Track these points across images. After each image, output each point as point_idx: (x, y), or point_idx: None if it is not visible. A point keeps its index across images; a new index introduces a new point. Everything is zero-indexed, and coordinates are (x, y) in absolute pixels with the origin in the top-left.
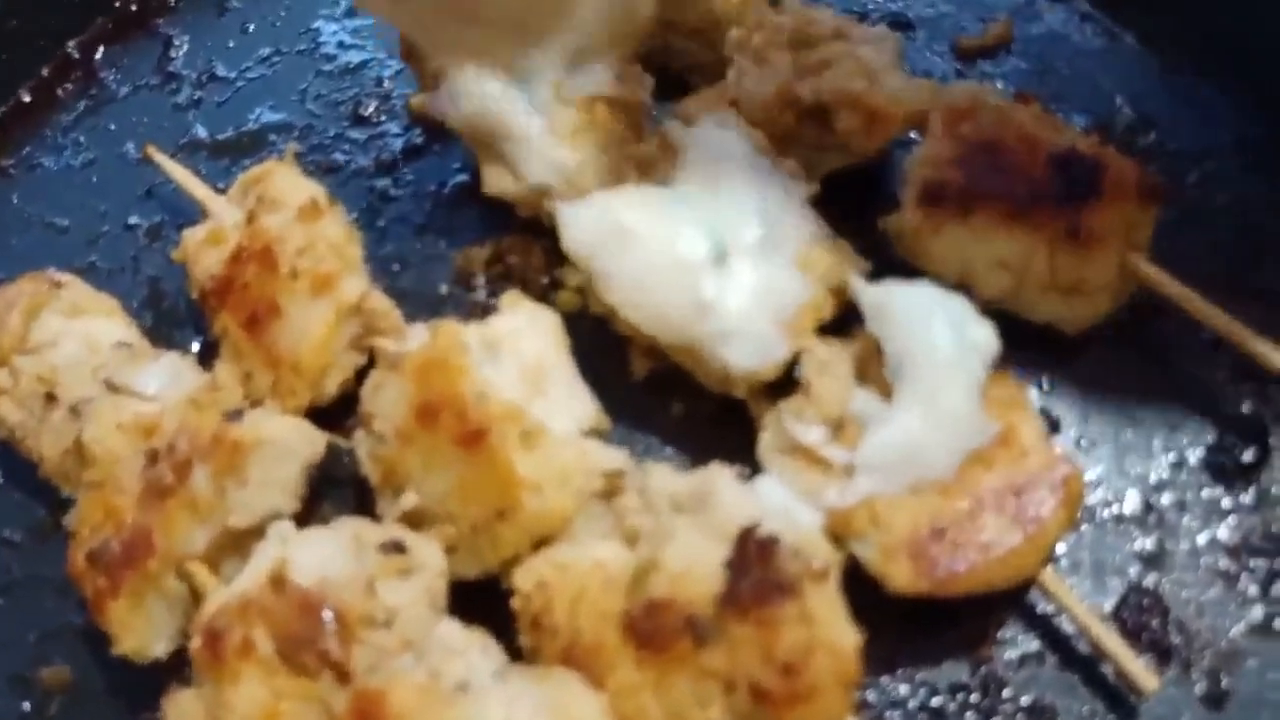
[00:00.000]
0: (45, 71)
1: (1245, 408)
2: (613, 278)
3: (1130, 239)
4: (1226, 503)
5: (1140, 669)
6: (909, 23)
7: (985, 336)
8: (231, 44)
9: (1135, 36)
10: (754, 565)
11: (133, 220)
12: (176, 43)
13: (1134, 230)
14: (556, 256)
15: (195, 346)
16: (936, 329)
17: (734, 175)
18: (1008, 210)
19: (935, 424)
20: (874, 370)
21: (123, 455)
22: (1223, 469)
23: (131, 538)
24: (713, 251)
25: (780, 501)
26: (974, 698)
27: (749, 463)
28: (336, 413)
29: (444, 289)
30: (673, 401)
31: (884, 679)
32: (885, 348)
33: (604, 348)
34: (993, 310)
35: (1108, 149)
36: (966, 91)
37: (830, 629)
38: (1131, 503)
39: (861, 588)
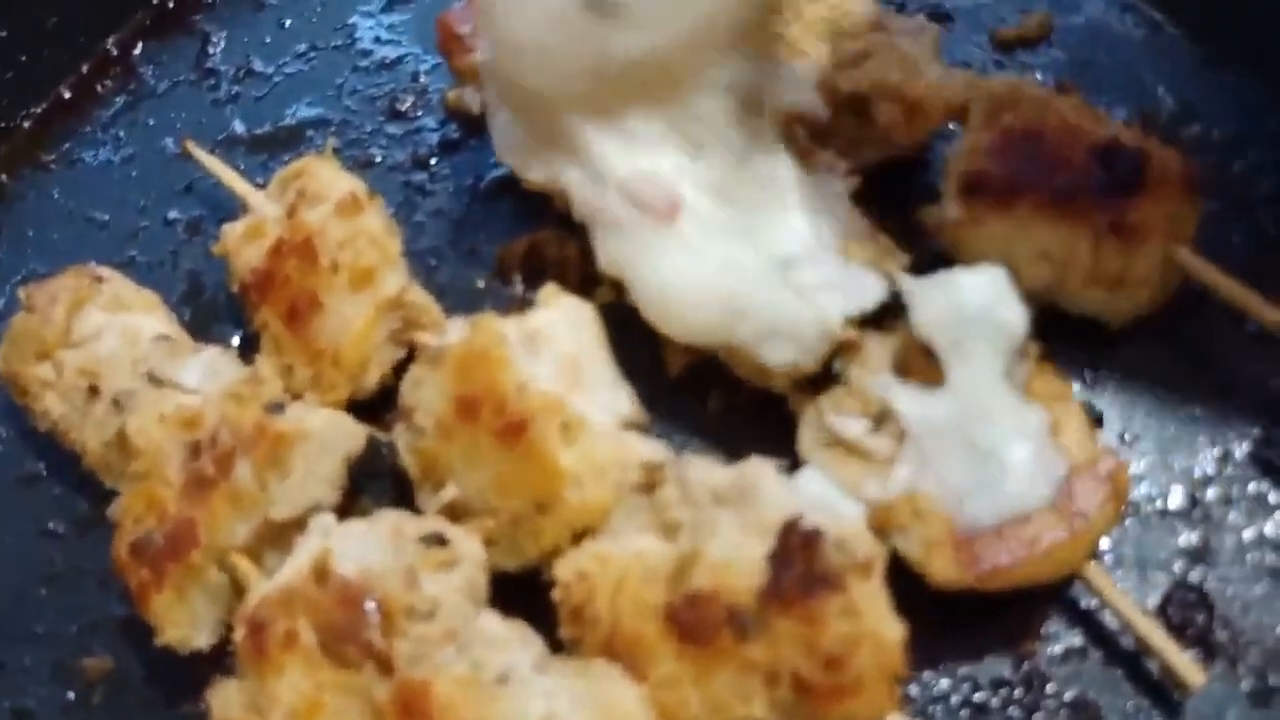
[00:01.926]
0: (85, 68)
1: None
2: (646, 291)
3: (1174, 231)
4: (1273, 498)
5: (1186, 664)
6: (947, 13)
7: (1015, 315)
8: (268, 40)
9: (1176, 26)
10: (797, 558)
11: (172, 215)
12: (214, 39)
13: (1178, 222)
14: (592, 250)
15: (234, 340)
16: (968, 311)
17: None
18: (1049, 202)
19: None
20: (914, 362)
21: (165, 447)
22: (1269, 463)
23: (175, 529)
24: (752, 253)
25: (822, 495)
26: (1017, 693)
27: (787, 457)
28: (375, 406)
29: (481, 283)
30: (710, 395)
31: (926, 674)
32: (932, 340)
33: (640, 341)
34: (1035, 302)
35: (1150, 140)
36: (1007, 82)
37: (875, 622)
38: (1176, 497)
39: (902, 582)
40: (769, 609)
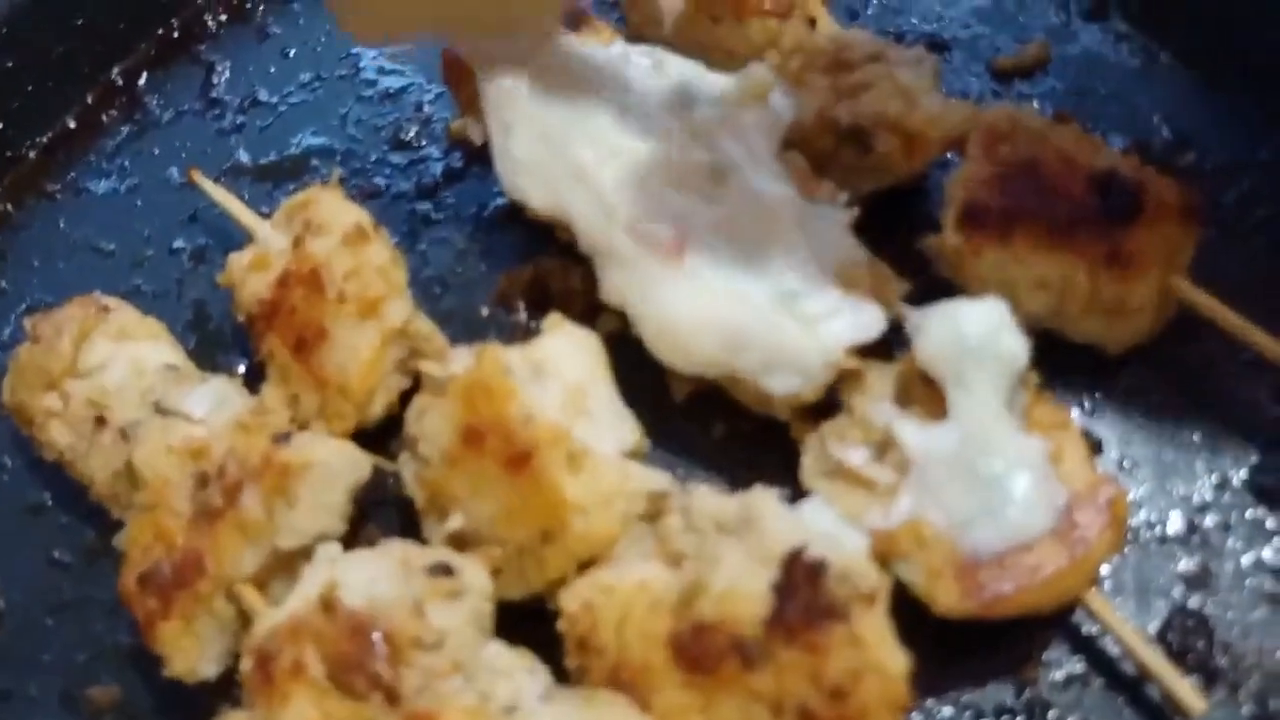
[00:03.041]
0: (90, 98)
1: None
2: (650, 323)
3: (1171, 259)
4: (1271, 523)
5: (1188, 690)
6: (945, 44)
7: (1016, 347)
8: (273, 70)
9: (1172, 55)
10: (802, 588)
11: (177, 244)
12: (218, 69)
13: (1175, 251)
14: (596, 279)
15: (240, 369)
16: (969, 343)
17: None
18: (1048, 231)
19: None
20: (916, 391)
21: (172, 477)
22: (1266, 489)
23: (182, 560)
24: (754, 284)
25: (826, 524)
26: None
27: (791, 484)
28: (380, 435)
29: (485, 311)
30: (714, 423)
31: (929, 702)
32: (934, 370)
33: (644, 370)
34: (1034, 331)
35: (1147, 169)
36: (1005, 112)
37: (879, 652)
38: (1175, 524)
39: (904, 610)
40: (774, 639)
